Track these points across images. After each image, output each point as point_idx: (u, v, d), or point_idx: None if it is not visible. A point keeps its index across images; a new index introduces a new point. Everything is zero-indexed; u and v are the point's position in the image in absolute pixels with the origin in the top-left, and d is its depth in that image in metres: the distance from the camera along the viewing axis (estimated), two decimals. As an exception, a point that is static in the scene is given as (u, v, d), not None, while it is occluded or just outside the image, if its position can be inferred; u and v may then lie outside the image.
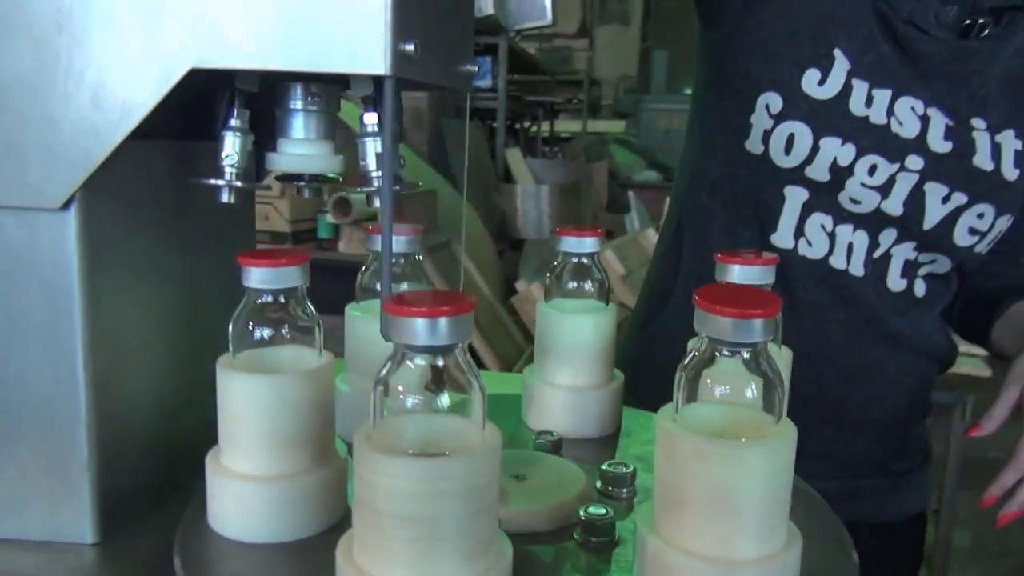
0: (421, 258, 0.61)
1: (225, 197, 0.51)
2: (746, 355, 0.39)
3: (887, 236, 0.78)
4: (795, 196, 0.78)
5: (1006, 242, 0.81)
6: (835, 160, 0.75)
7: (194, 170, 0.53)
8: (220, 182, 0.51)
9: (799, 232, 0.79)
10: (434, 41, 0.49)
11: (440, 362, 0.38)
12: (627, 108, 5.43)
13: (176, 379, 0.57)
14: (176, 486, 0.56)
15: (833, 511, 0.53)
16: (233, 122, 0.51)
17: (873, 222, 0.77)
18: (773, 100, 0.76)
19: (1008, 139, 0.76)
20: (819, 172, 0.76)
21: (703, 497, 0.39)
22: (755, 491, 0.38)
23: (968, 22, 0.76)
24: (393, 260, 0.50)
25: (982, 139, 0.76)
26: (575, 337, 0.62)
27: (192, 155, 0.57)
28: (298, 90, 0.51)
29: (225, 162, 0.51)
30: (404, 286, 0.61)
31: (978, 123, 0.76)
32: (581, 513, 0.49)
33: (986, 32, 0.76)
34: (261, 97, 0.52)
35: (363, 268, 0.63)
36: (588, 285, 0.62)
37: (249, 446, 0.47)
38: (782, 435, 0.39)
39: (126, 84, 0.45)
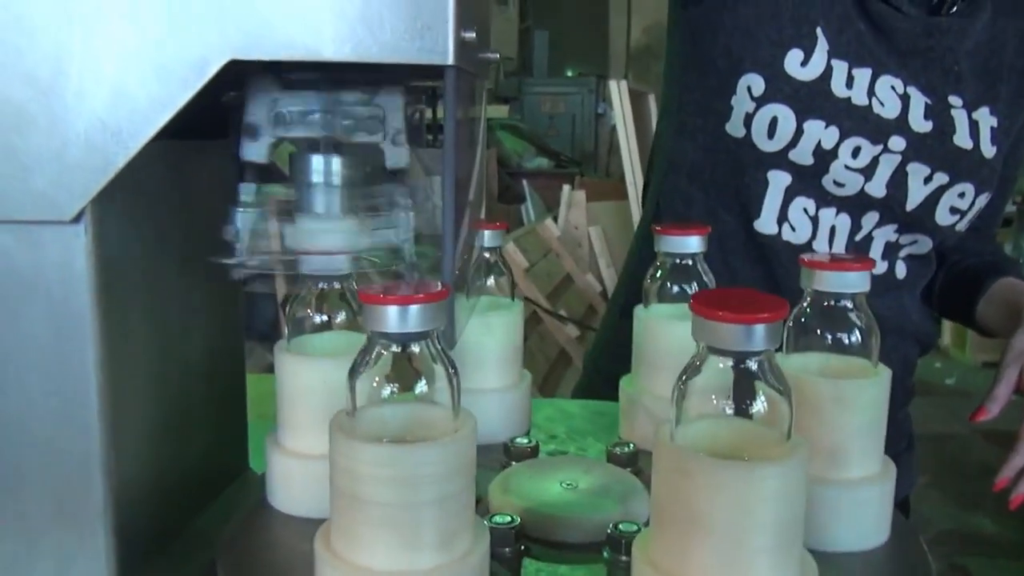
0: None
1: (237, 276, 0.50)
2: (752, 365, 0.37)
3: (869, 219, 0.82)
4: (778, 180, 0.81)
5: (981, 219, 0.86)
6: (819, 143, 0.78)
7: (204, 171, 0.51)
8: (230, 261, 0.49)
9: (783, 217, 0.82)
10: (475, 28, 0.49)
11: (415, 349, 0.41)
12: (509, 92, 5.47)
13: (187, 402, 0.55)
14: (189, 517, 0.54)
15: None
16: (243, 197, 0.49)
17: (856, 205, 0.81)
18: (755, 82, 0.78)
19: (984, 116, 0.81)
20: (803, 156, 0.79)
21: (711, 524, 0.37)
22: (769, 516, 0.37)
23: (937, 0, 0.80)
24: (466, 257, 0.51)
25: (960, 117, 0.80)
26: (682, 346, 0.59)
27: (200, 155, 0.54)
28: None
29: (236, 243, 0.49)
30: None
31: (955, 100, 0.81)
32: (610, 528, 0.48)
33: (955, 9, 0.81)
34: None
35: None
36: (692, 289, 0.61)
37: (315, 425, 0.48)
38: (796, 453, 0.38)
39: (152, 79, 0.42)
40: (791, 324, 0.51)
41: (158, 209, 0.52)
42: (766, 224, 0.82)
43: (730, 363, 0.38)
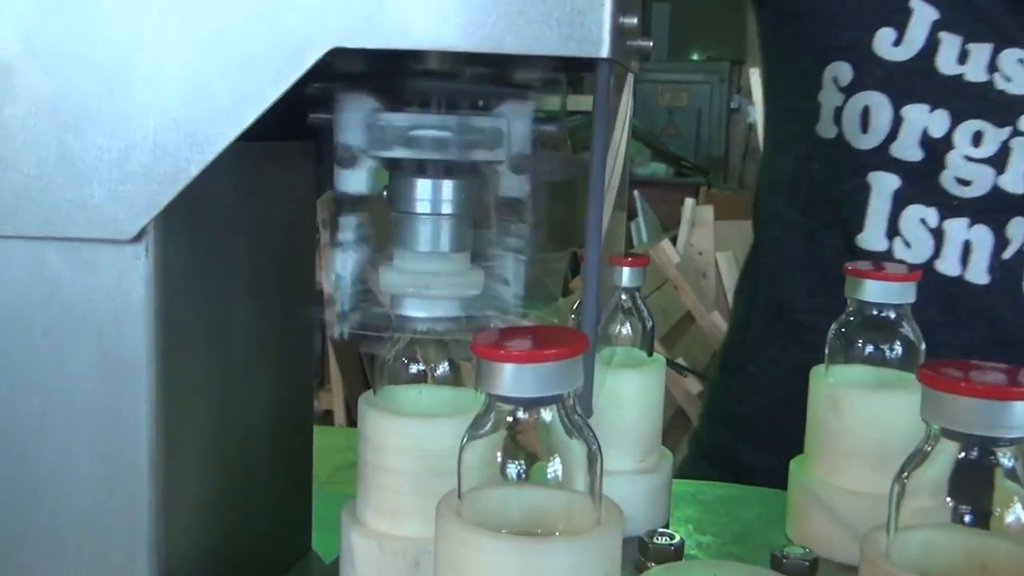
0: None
1: (338, 333, 0.51)
2: (1006, 459, 0.36)
3: (1017, 228, 0.80)
4: (883, 184, 0.82)
5: None
6: (925, 131, 0.79)
7: (280, 182, 0.52)
8: (330, 314, 0.51)
9: (893, 230, 0.82)
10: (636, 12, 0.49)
11: (546, 417, 0.41)
12: (618, 79, 5.49)
13: (248, 468, 0.57)
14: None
15: None
16: (340, 235, 0.50)
17: (992, 210, 0.80)
18: (841, 70, 0.82)
19: None
20: (908, 150, 0.80)
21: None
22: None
23: None
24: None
25: None
26: (887, 424, 0.59)
27: (276, 161, 0.56)
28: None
29: (336, 291, 0.51)
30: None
31: None
32: None
33: None
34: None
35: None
36: (891, 350, 0.62)
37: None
38: None
39: (237, 71, 0.44)
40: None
41: (227, 229, 0.53)
42: (872, 239, 0.83)
43: (974, 453, 0.37)
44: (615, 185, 0.57)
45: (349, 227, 0.50)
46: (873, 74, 0.80)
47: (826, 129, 0.83)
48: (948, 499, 0.37)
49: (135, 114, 0.44)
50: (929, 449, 0.38)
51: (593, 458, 0.42)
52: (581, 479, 0.42)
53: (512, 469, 0.41)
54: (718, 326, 2.96)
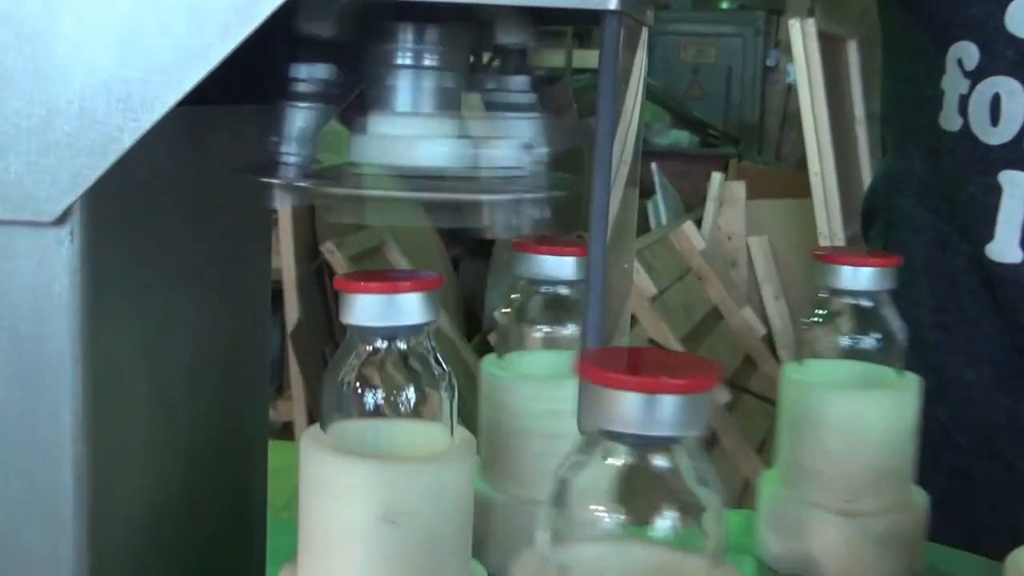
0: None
1: (278, 202, 0.51)
2: None
3: None
4: (1017, 186, 0.82)
5: None
6: None
7: (229, 154, 0.53)
8: (274, 180, 0.50)
9: None
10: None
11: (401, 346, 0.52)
12: (633, 31, 5.49)
13: (191, 489, 0.57)
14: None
15: None
16: (299, 86, 0.50)
17: None
18: (967, 52, 0.82)
19: None
20: None
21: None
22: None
23: None
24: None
25: None
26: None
27: (225, 127, 0.56)
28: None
29: (282, 149, 0.50)
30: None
31: None
32: None
33: None
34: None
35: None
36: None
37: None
38: None
39: (180, 24, 0.44)
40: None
41: (167, 210, 0.54)
42: (1003, 249, 0.84)
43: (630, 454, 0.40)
44: (627, 158, 0.57)
45: (307, 76, 0.50)
46: (1004, 56, 0.80)
47: (950, 120, 0.84)
48: (603, 507, 0.40)
49: (58, 74, 0.44)
50: (586, 450, 0.40)
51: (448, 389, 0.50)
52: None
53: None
54: (751, 325, 2.97)
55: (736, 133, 4.94)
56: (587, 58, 5.39)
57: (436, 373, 0.53)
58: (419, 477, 0.50)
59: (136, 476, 0.53)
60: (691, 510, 0.40)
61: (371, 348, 0.51)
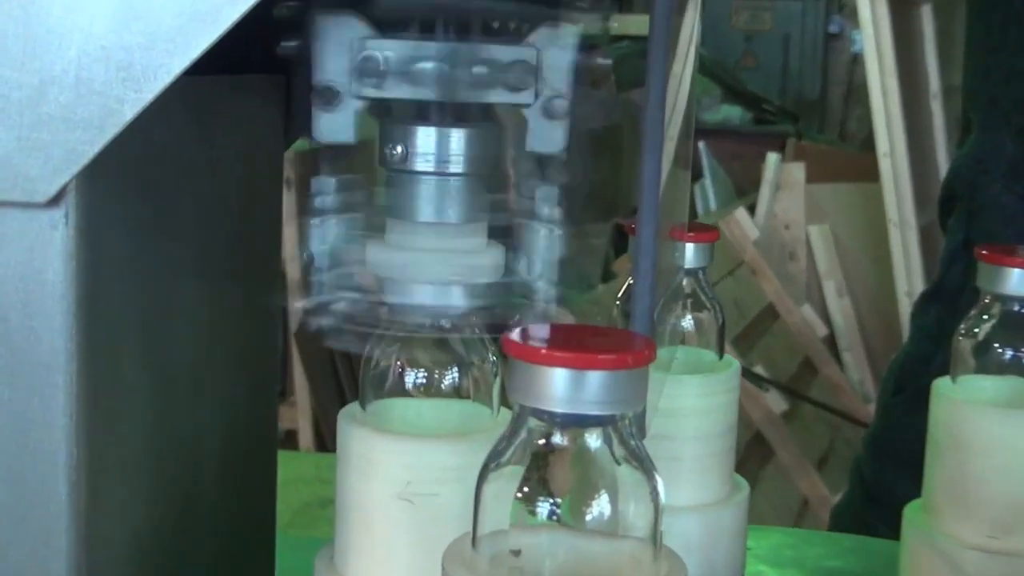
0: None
1: (310, 328, 0.52)
2: None
3: None
4: None
5: None
6: None
7: (242, 126, 0.53)
8: (303, 304, 0.52)
9: None
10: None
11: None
12: (679, -7, 5.48)
13: (188, 491, 0.58)
14: None
15: None
16: (317, 200, 0.52)
17: None
18: None
19: None
20: None
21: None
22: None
23: None
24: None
25: None
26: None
27: (235, 99, 0.57)
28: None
29: (308, 274, 0.52)
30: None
31: None
32: None
33: None
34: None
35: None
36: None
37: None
38: None
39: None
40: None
41: (170, 190, 0.54)
42: None
43: (559, 434, 0.40)
44: (675, 136, 0.57)
45: (327, 190, 0.51)
46: None
47: None
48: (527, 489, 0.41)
49: (52, 39, 0.45)
50: (516, 431, 0.41)
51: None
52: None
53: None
54: (810, 324, 2.97)
55: (794, 108, 4.91)
56: (627, 23, 5.38)
57: (480, 354, 0.54)
58: (436, 457, 0.52)
59: (135, 485, 0.54)
60: (617, 492, 0.41)
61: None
